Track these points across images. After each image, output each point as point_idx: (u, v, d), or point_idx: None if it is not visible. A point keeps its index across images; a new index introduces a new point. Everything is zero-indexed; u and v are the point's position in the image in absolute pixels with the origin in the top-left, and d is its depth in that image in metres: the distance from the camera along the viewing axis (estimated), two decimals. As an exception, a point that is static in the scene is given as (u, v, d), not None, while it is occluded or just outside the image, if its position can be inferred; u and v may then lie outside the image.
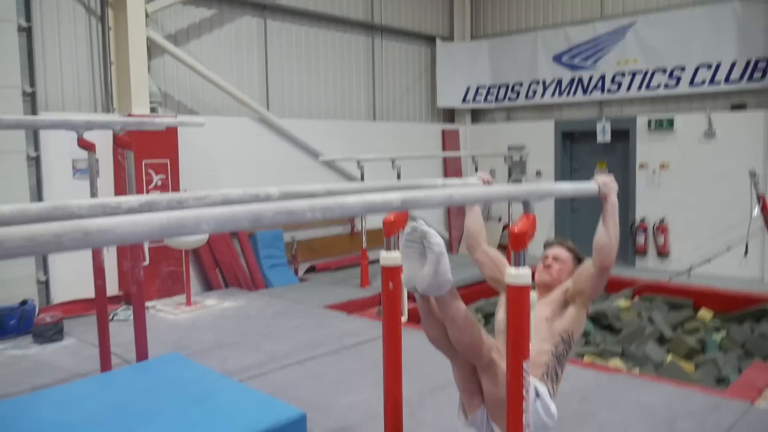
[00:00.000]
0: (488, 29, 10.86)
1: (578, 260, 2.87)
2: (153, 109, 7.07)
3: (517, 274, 2.03)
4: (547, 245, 2.95)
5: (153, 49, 7.42)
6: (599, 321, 6.63)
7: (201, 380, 3.51)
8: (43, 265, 6.53)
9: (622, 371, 4.44)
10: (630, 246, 9.05)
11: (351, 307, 6.70)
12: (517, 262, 2.04)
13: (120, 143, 4.03)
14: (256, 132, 8.32)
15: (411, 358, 3.27)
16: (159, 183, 6.98)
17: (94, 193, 4.46)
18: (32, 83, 6.36)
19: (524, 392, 2.05)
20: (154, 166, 6.94)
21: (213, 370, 3.80)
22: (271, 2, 8.58)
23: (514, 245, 2.04)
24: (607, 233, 2.58)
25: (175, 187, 7.12)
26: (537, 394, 2.43)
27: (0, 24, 6.12)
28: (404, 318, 2.44)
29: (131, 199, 1.78)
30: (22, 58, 6.30)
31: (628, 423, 3.54)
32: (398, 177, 7.38)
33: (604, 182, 2.60)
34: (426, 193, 1.80)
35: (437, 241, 2.19)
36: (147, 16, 7.08)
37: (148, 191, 6.89)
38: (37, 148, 6.43)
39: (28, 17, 6.32)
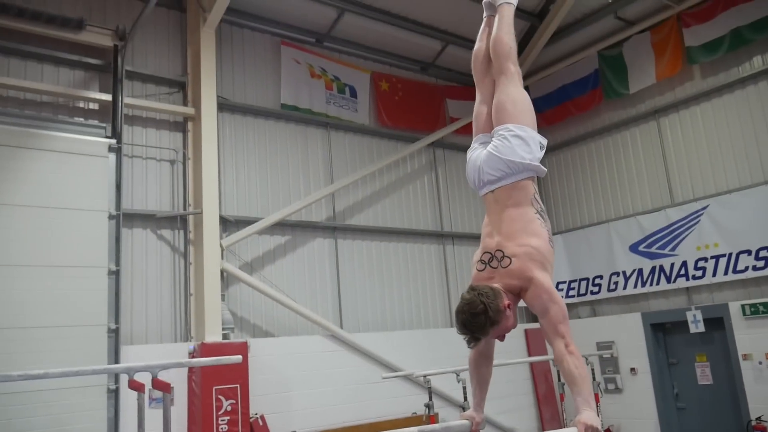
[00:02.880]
0: (561, 225, 10.91)
1: (491, 321, 2.73)
2: (225, 336, 7.42)
3: None
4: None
5: (230, 278, 7.99)
6: None
7: None
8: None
9: None
10: (750, 451, 7.89)
11: None
12: None
13: (155, 385, 4.21)
14: (329, 349, 8.43)
15: None
16: (229, 408, 7.08)
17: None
18: (117, 320, 6.92)
19: None
20: (223, 391, 7.10)
21: None
22: (342, 224, 9.18)
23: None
24: None
25: (245, 412, 7.17)
26: None
27: (94, 270, 6.91)
28: None
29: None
30: (110, 297, 6.96)
31: None
32: (465, 394, 7.06)
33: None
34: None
35: None
36: (222, 249, 7.75)
37: (218, 418, 6.99)
38: (117, 381, 6.81)
39: (118, 262, 7.08)
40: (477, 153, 3.16)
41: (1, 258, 6.36)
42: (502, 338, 2.88)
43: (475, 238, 10.72)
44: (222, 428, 6.97)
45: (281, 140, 8.91)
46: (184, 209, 7.80)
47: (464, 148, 11.14)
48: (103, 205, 7.09)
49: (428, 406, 7.18)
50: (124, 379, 6.88)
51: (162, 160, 7.92)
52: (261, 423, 7.39)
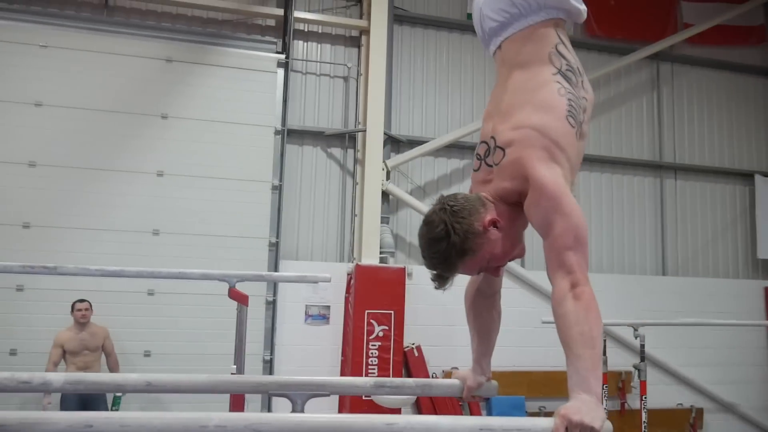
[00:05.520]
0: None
1: (458, 250, 1.71)
2: (383, 259, 7.07)
3: None
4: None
5: (400, 202, 7.56)
6: None
7: None
8: None
9: None
10: None
11: None
12: None
13: (231, 296, 3.95)
14: (505, 285, 7.55)
15: None
16: (381, 334, 6.78)
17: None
18: (278, 235, 7.00)
19: None
20: (376, 316, 6.79)
21: None
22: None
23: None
24: None
25: (398, 341, 6.82)
26: None
27: (258, 184, 7.04)
28: None
29: None
30: (272, 212, 7.05)
31: None
32: (641, 352, 5.38)
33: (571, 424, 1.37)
34: None
35: None
36: (387, 170, 7.32)
37: (368, 342, 6.75)
38: (275, 293, 6.94)
39: (281, 177, 7.09)
40: None
41: (172, 168, 6.75)
42: (495, 272, 1.88)
43: (710, 173, 8.81)
44: (372, 353, 6.72)
45: (465, 54, 8.06)
46: (354, 127, 7.53)
47: (700, 62, 9.08)
48: (270, 120, 7.11)
49: (638, 369, 5.09)
50: (282, 292, 7.05)
51: (335, 76, 7.68)
52: (416, 354, 6.99)
